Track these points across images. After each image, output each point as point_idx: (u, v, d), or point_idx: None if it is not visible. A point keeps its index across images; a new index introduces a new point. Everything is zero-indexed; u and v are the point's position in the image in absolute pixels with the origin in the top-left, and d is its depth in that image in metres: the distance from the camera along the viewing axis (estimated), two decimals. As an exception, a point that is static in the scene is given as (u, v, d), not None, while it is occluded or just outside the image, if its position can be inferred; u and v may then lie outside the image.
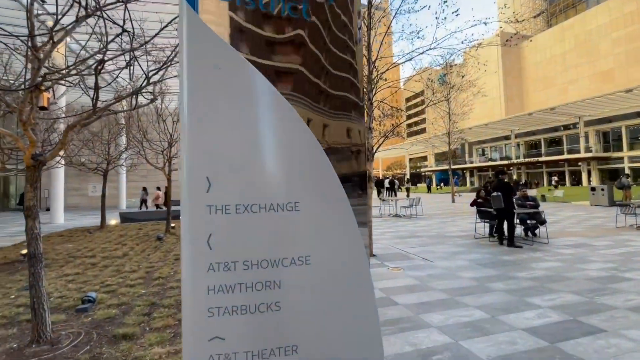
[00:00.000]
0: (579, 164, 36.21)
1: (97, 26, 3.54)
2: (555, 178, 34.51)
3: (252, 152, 1.23)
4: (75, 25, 3.24)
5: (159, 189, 19.15)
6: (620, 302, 4.19)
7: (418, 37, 9.50)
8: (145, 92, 4.70)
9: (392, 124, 9.29)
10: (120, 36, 3.62)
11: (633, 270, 5.54)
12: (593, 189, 18.07)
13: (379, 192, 28.76)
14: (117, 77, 4.88)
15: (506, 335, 3.37)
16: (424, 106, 41.69)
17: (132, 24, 3.56)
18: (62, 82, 4.14)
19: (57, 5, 3.47)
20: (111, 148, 12.07)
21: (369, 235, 7.15)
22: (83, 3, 3.17)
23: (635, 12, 39.69)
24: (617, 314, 3.81)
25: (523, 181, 38.87)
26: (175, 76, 5.29)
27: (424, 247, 7.85)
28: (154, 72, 4.14)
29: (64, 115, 9.13)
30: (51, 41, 3.31)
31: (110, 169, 12.43)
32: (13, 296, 4.80)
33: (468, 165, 50.49)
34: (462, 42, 8.74)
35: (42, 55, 3.33)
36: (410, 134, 69.06)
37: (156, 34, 3.65)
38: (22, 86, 3.78)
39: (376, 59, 7.37)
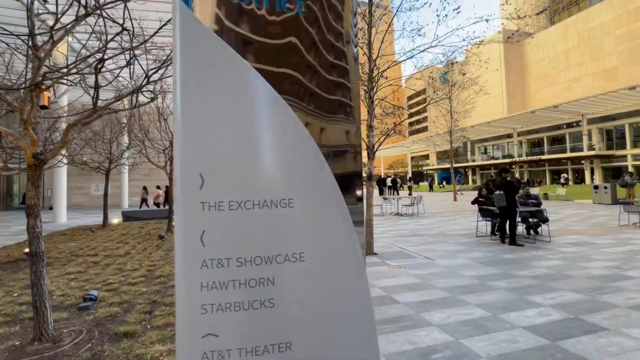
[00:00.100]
0: (582, 162, 36.01)
1: (97, 25, 3.54)
2: (565, 175, 34.01)
3: (246, 149, 1.22)
4: (75, 24, 3.24)
5: (159, 187, 19.25)
6: (622, 300, 4.16)
7: (419, 35, 9.43)
8: (146, 90, 4.71)
9: (394, 122, 9.26)
10: (120, 35, 3.62)
11: (635, 269, 5.50)
12: (596, 187, 17.98)
13: (380, 191, 28.72)
14: (117, 76, 4.89)
15: (507, 334, 3.35)
16: (425, 104, 41.64)
17: (131, 22, 3.56)
18: (63, 81, 4.16)
19: (57, 4, 3.48)
20: (113, 147, 12.11)
21: (371, 234, 7.15)
22: (83, 2, 3.17)
23: (639, 8, 39.35)
24: (619, 313, 3.79)
25: (525, 179, 38.73)
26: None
27: (426, 246, 7.84)
28: (154, 70, 4.15)
29: (65, 114, 9.15)
30: (51, 40, 3.31)
31: (113, 167, 12.47)
32: (16, 294, 4.84)
33: (470, 163, 50.36)
34: (464, 40, 8.66)
35: (42, 54, 3.34)
36: (412, 132, 68.88)
37: (155, 32, 3.65)
38: (23, 85, 3.79)
39: (377, 57, 7.34)
